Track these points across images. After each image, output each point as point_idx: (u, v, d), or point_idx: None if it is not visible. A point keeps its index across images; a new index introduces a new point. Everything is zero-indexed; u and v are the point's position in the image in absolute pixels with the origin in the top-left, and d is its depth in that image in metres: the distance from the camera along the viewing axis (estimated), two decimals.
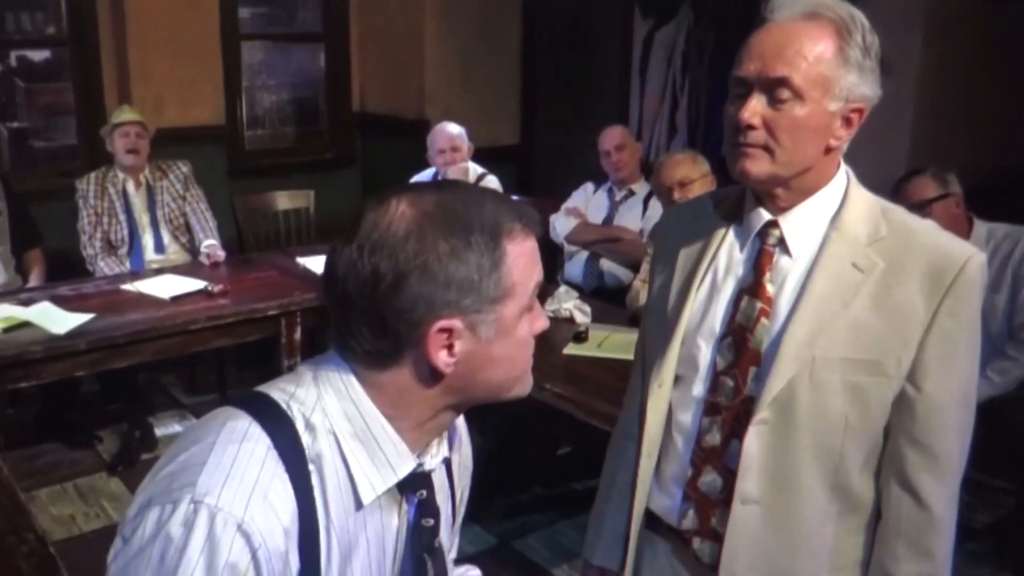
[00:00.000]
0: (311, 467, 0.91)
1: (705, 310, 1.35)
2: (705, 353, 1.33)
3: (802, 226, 1.29)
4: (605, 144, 4.01)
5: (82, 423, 3.88)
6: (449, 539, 1.13)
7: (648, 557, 1.44)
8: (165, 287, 3.43)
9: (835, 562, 1.31)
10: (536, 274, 0.98)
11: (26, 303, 3.16)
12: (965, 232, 2.79)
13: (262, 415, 0.92)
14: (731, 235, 1.36)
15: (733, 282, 1.33)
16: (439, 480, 1.06)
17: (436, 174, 4.18)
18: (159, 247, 4.02)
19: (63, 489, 3.50)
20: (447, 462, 1.08)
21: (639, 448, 1.40)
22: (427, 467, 1.01)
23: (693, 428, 1.35)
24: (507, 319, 0.94)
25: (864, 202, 1.30)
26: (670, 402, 1.37)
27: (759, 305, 1.29)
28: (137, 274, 3.74)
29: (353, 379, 0.94)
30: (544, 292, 3.16)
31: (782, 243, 1.30)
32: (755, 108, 1.21)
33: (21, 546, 2.19)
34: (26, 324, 2.98)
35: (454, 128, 4.12)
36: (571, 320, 2.97)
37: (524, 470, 3.58)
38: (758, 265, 1.31)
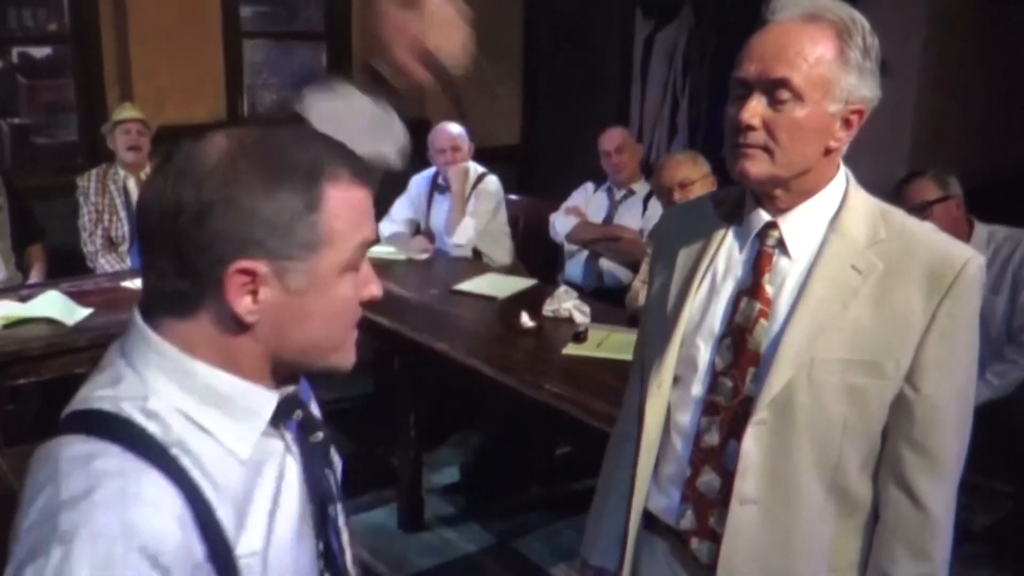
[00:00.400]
0: (174, 451, 0.84)
1: (704, 311, 1.35)
2: (704, 353, 1.34)
3: (801, 227, 1.29)
4: (605, 145, 4.03)
5: None
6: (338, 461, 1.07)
7: (646, 557, 1.44)
8: None
9: (833, 563, 1.31)
10: (365, 230, 0.90)
11: (25, 299, 3.16)
12: (965, 234, 2.79)
13: (94, 429, 0.84)
14: (730, 236, 1.36)
15: (732, 283, 1.33)
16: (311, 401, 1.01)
17: (436, 173, 4.18)
18: None
19: None
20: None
21: (638, 448, 1.40)
22: (289, 391, 0.94)
23: (692, 428, 1.35)
24: (323, 272, 0.87)
25: (863, 204, 1.30)
26: (669, 402, 1.38)
27: (758, 306, 1.29)
28: (138, 271, 3.73)
29: (170, 348, 0.87)
30: (543, 292, 3.16)
31: (781, 244, 1.30)
32: (755, 109, 1.21)
33: None
34: (27, 321, 2.97)
35: (455, 128, 4.12)
36: (570, 320, 2.97)
37: (523, 469, 3.58)
38: (757, 266, 1.31)
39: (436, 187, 4.20)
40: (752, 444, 1.27)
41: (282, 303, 0.86)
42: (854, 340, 1.24)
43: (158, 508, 0.80)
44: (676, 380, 1.37)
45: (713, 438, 1.33)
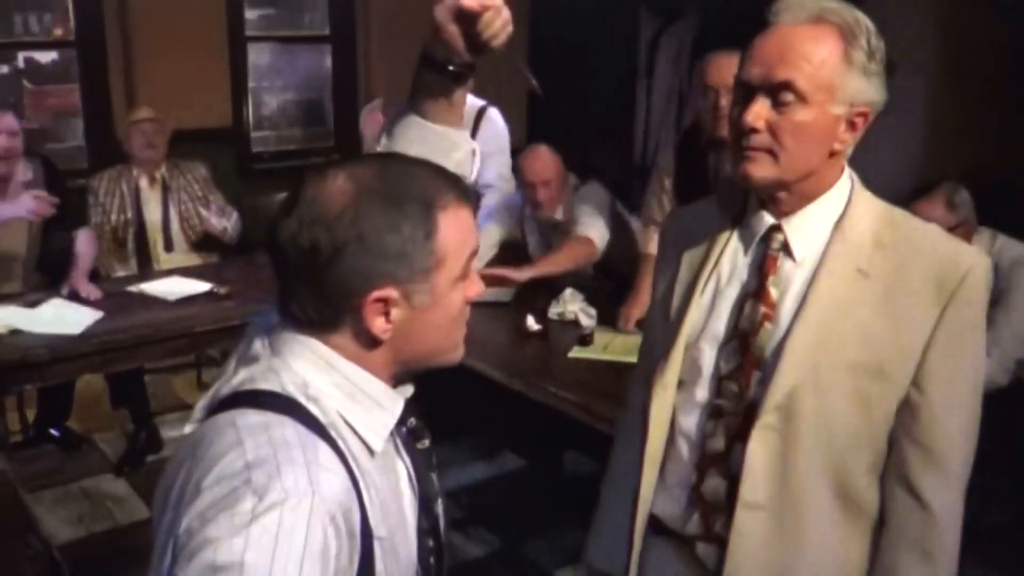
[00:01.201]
0: (332, 432, 0.93)
1: (708, 314, 1.34)
2: (708, 357, 1.33)
3: (806, 230, 1.28)
4: (532, 175, 3.40)
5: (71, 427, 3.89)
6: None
7: (651, 562, 1.44)
8: (171, 289, 3.43)
9: (839, 567, 1.30)
10: (470, 243, 1.00)
11: (32, 304, 3.16)
12: None
13: (266, 404, 0.93)
14: (735, 239, 1.35)
15: (737, 286, 1.33)
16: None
17: None
18: (168, 245, 4.03)
19: (69, 490, 3.51)
20: None
21: (642, 453, 1.40)
22: (405, 396, 1.05)
23: (697, 433, 1.35)
24: (441, 287, 0.97)
25: (869, 206, 1.29)
26: (673, 407, 1.37)
27: (763, 310, 1.29)
28: (144, 275, 3.74)
29: (317, 344, 0.97)
30: (549, 294, 3.14)
31: (786, 248, 1.29)
32: (759, 111, 1.21)
33: (25, 549, 2.19)
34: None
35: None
36: (576, 323, 2.95)
37: (527, 472, 3.58)
38: (762, 270, 1.30)
39: None
40: (757, 448, 1.26)
41: (409, 319, 0.96)
42: (859, 344, 1.23)
43: (335, 474, 0.89)
44: (680, 384, 1.36)
45: (718, 442, 1.32)
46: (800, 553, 1.29)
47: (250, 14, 5.18)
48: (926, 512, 1.25)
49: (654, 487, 1.40)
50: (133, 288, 3.46)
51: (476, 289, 1.04)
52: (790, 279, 1.29)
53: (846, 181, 1.30)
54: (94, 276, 3.60)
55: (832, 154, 1.24)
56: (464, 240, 0.99)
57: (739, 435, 1.29)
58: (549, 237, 3.57)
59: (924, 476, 1.25)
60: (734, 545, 1.29)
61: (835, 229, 1.27)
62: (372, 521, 0.93)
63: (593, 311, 2.99)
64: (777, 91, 1.20)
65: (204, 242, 4.09)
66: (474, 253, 1.02)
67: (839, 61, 1.19)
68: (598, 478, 3.83)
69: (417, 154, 1.17)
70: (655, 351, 1.41)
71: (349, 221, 0.92)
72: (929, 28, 3.32)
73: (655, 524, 1.42)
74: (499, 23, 1.12)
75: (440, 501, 1.10)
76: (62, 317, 3.07)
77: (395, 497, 1.02)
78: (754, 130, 1.21)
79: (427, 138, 1.20)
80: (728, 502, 1.30)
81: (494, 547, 3.22)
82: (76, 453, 3.81)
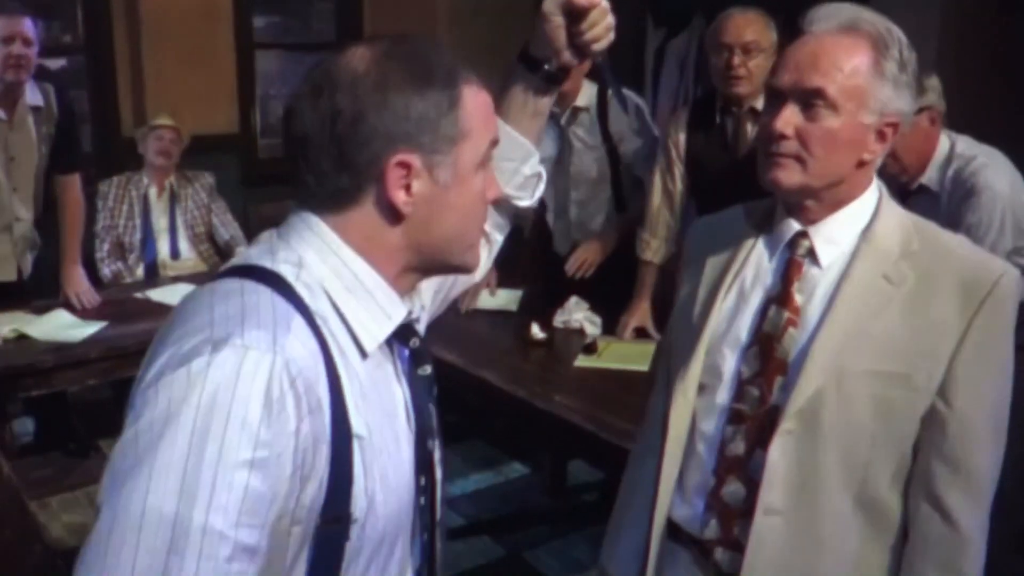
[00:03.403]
0: (316, 317, 0.90)
1: (732, 319, 1.35)
2: (730, 362, 1.33)
3: (832, 237, 1.29)
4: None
5: (77, 432, 3.88)
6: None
7: (668, 567, 1.43)
8: (177, 296, 3.43)
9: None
10: (493, 129, 0.99)
11: (38, 311, 3.17)
12: (928, 153, 2.51)
13: (251, 275, 0.91)
14: (760, 245, 1.36)
15: (761, 291, 1.33)
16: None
17: None
18: (175, 253, 4.04)
19: (75, 497, 3.51)
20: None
21: (661, 457, 1.39)
22: (414, 314, 1.01)
23: (716, 437, 1.34)
24: (463, 165, 0.95)
25: (896, 216, 1.30)
26: (694, 411, 1.37)
27: (787, 315, 1.29)
28: (150, 283, 3.75)
29: (326, 229, 0.94)
30: (554, 303, 3.14)
31: (811, 254, 1.30)
32: (788, 118, 1.22)
33: (29, 557, 2.19)
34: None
35: None
36: (581, 331, 2.95)
37: (531, 480, 3.57)
38: (787, 275, 1.30)
39: None
40: (778, 454, 1.26)
41: (431, 195, 0.94)
42: (885, 351, 1.23)
43: (303, 342, 0.86)
44: (701, 388, 1.36)
45: (738, 447, 1.32)
46: (819, 560, 1.29)
47: (258, 22, 5.19)
48: (953, 528, 1.24)
49: (672, 491, 1.40)
50: (139, 295, 3.47)
51: (497, 190, 1.02)
52: (815, 285, 1.29)
53: (874, 191, 1.30)
54: (95, 281, 3.57)
55: (861, 164, 1.25)
56: (486, 120, 0.98)
57: (759, 440, 1.29)
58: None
59: (951, 492, 1.24)
60: (752, 551, 1.28)
61: (862, 237, 1.28)
62: (350, 414, 0.90)
63: (598, 319, 2.99)
64: (808, 98, 1.21)
65: (210, 250, 4.10)
66: (494, 143, 1.00)
67: (870, 70, 1.20)
68: (602, 487, 3.83)
69: None
70: (676, 355, 1.41)
71: (372, 83, 0.90)
72: (930, 29, 3.32)
73: (672, 529, 1.41)
74: (604, 25, 1.14)
75: (438, 441, 1.05)
76: (68, 323, 3.08)
77: (386, 414, 0.97)
78: (783, 136, 1.22)
79: (500, 143, 1.17)
80: (747, 507, 1.30)
81: (497, 555, 3.21)
82: (82, 460, 3.81)
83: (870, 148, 1.24)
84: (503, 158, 1.18)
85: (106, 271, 3.94)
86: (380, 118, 0.90)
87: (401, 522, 0.99)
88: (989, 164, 2.37)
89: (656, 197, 2.96)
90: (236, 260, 0.96)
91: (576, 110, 3.18)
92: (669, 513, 1.40)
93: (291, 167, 0.96)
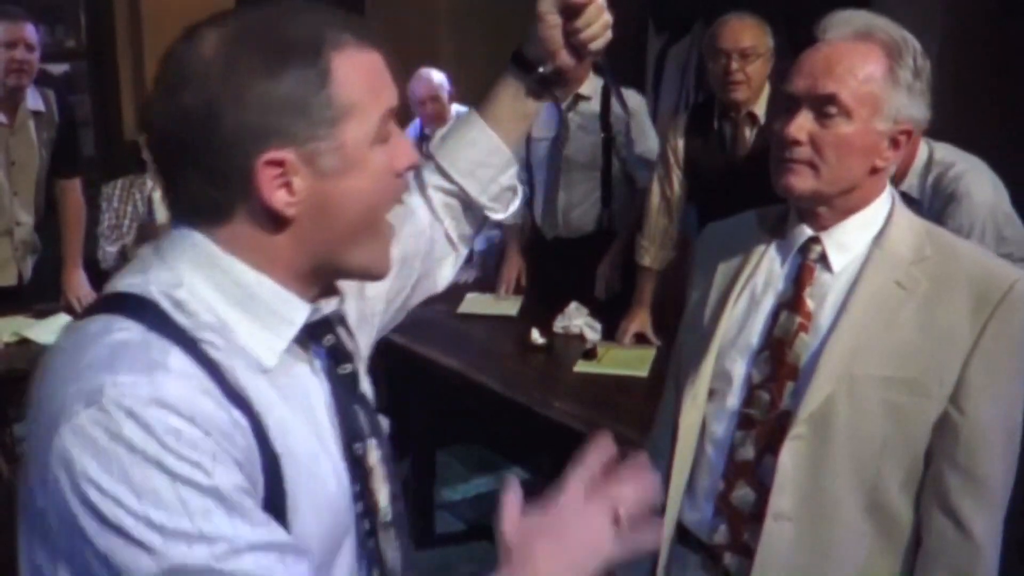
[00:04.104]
0: (197, 337, 0.80)
1: (743, 323, 1.35)
2: (740, 366, 1.34)
3: (844, 243, 1.29)
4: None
5: None
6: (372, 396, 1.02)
7: (677, 571, 1.43)
8: None
9: None
10: (385, 96, 0.86)
11: (40, 315, 3.17)
12: (908, 161, 2.40)
13: (116, 308, 0.80)
14: (772, 250, 1.36)
15: (772, 296, 1.33)
16: (343, 333, 0.96)
17: (421, 126, 3.96)
18: None
19: None
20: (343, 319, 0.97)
21: (671, 461, 1.40)
22: (323, 311, 0.89)
23: (726, 442, 1.35)
24: (352, 147, 0.82)
25: (909, 222, 1.30)
26: (704, 416, 1.37)
27: (798, 320, 1.29)
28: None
29: (206, 242, 0.83)
30: (554, 308, 3.14)
31: (823, 259, 1.30)
32: (802, 124, 1.22)
33: None
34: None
35: (436, 76, 3.86)
36: (581, 337, 2.95)
37: (531, 486, 3.56)
38: (798, 280, 1.31)
39: (424, 139, 3.87)
40: (788, 459, 1.26)
41: (318, 190, 0.82)
42: (897, 357, 1.23)
43: (185, 377, 0.77)
44: (712, 393, 1.37)
45: (748, 452, 1.32)
46: (828, 566, 1.29)
47: None
48: (966, 537, 1.24)
49: (682, 496, 1.40)
50: None
51: (410, 157, 0.89)
52: (827, 290, 1.29)
53: (887, 198, 1.31)
54: (96, 284, 3.57)
55: (874, 170, 1.25)
56: (373, 88, 0.84)
57: (769, 445, 1.29)
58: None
59: (964, 500, 1.24)
60: (761, 556, 1.29)
61: (874, 243, 1.28)
62: (269, 433, 0.81)
63: (598, 325, 2.99)
64: (821, 104, 1.21)
65: None
66: (392, 111, 0.86)
67: (884, 77, 1.21)
68: None
69: (466, 160, 1.13)
70: (687, 360, 1.42)
71: (219, 74, 0.78)
72: (931, 33, 3.32)
73: (681, 533, 1.42)
74: (600, 23, 1.10)
75: (373, 441, 0.94)
76: None
77: (307, 423, 0.87)
78: (797, 142, 1.22)
79: (481, 144, 1.14)
80: (757, 512, 1.30)
81: (496, 560, 3.20)
82: None
83: (883, 155, 1.25)
84: (482, 164, 1.14)
85: (111, 271, 3.94)
86: (236, 114, 0.78)
87: (337, 533, 0.92)
88: (969, 171, 2.37)
89: (655, 203, 2.97)
90: (108, 287, 0.85)
91: (579, 97, 3.27)
92: (679, 517, 1.41)
93: (162, 188, 0.87)
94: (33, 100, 3.23)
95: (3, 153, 3.19)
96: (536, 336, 2.91)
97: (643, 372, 2.66)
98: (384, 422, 1.00)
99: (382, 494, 0.96)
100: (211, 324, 0.81)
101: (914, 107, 1.23)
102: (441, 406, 3.32)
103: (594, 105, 3.26)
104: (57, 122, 3.31)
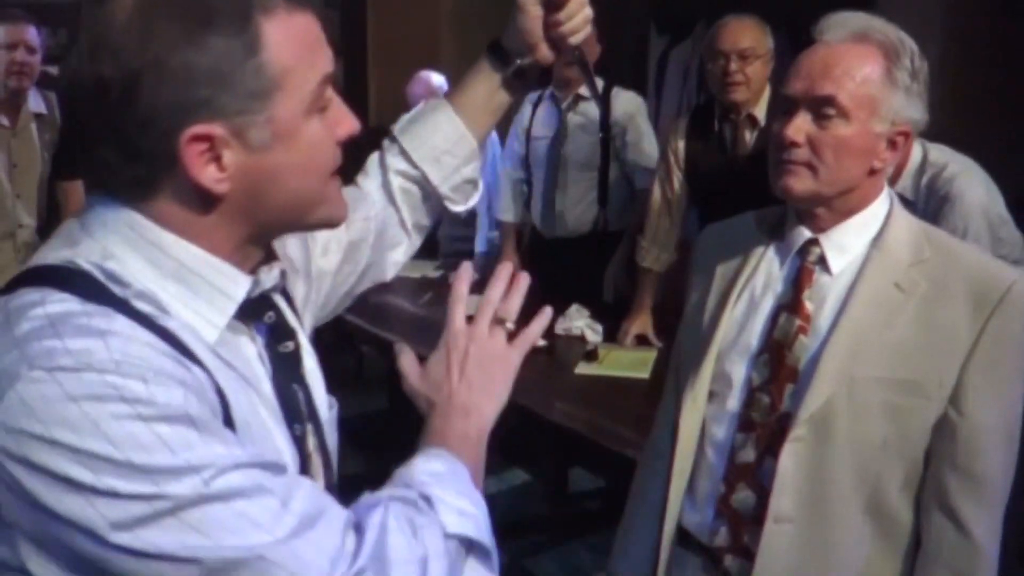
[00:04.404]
0: (136, 304, 0.75)
1: (742, 326, 1.35)
2: (740, 369, 1.34)
3: (843, 245, 1.30)
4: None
5: None
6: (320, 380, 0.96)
7: (677, 574, 1.43)
8: None
9: None
10: (321, 62, 0.80)
11: None
12: (902, 162, 2.38)
13: (45, 280, 0.74)
14: (771, 252, 1.36)
15: (771, 299, 1.34)
16: (286, 310, 0.92)
17: None
18: None
19: None
20: (285, 295, 0.93)
21: (671, 464, 1.40)
22: (264, 285, 0.85)
23: (726, 444, 1.35)
24: (284, 119, 0.77)
25: (907, 224, 1.31)
26: (704, 418, 1.37)
27: (797, 322, 1.29)
28: None
29: (134, 215, 0.77)
30: (555, 309, 3.13)
31: (822, 261, 1.30)
32: (800, 126, 1.22)
33: None
34: None
35: (435, 78, 3.91)
36: (582, 338, 2.95)
37: (533, 487, 3.57)
38: (797, 282, 1.31)
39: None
40: (788, 461, 1.26)
41: (250, 164, 0.77)
42: (896, 358, 1.23)
43: (137, 340, 0.71)
44: (711, 396, 1.37)
45: (748, 454, 1.32)
46: (829, 568, 1.29)
47: None
48: (965, 537, 1.24)
49: (682, 498, 1.40)
50: None
51: (349, 125, 0.85)
52: (826, 292, 1.30)
53: (885, 200, 1.31)
54: None
55: (872, 172, 1.26)
56: (308, 55, 0.78)
57: (769, 448, 1.30)
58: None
59: (964, 501, 1.24)
60: (762, 558, 1.29)
61: (873, 244, 1.28)
62: (229, 400, 0.77)
63: (599, 327, 2.99)
64: (819, 106, 1.22)
65: None
66: (328, 78, 0.81)
67: (882, 79, 1.21)
68: (604, 494, 3.82)
69: (430, 146, 1.11)
70: (686, 363, 1.42)
71: (137, 42, 0.72)
72: (932, 35, 3.32)
73: (682, 536, 1.42)
74: (581, 16, 1.10)
75: (309, 427, 0.90)
76: None
77: (256, 394, 0.84)
78: (795, 144, 1.23)
79: (447, 131, 1.12)
80: (757, 515, 1.30)
81: (500, 562, 3.20)
82: None
83: (881, 156, 1.25)
84: (447, 152, 1.12)
85: None
86: (157, 86, 0.72)
87: None
88: (962, 172, 2.37)
89: (656, 205, 2.97)
90: (31, 261, 0.79)
91: (579, 97, 3.28)
92: (679, 520, 1.41)
93: (80, 161, 0.79)
94: (35, 102, 3.24)
95: (5, 156, 3.19)
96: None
97: (644, 374, 2.66)
98: (332, 406, 0.97)
99: (321, 481, 0.93)
100: (147, 295, 0.76)
101: (911, 108, 1.24)
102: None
103: (594, 106, 3.29)
104: (59, 124, 3.31)
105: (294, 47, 0.77)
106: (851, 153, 1.23)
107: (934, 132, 1.46)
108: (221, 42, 0.73)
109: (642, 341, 2.91)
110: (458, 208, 1.17)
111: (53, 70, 3.46)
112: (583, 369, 2.73)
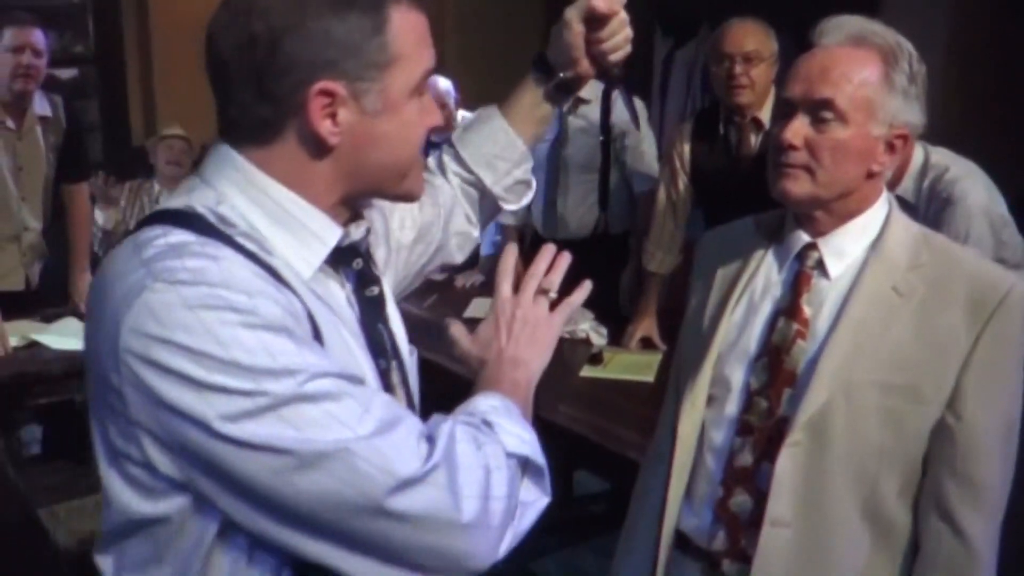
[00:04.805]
0: (241, 241, 0.88)
1: (741, 330, 1.35)
2: (738, 373, 1.34)
3: (841, 249, 1.30)
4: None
5: (85, 440, 3.89)
6: (402, 325, 1.09)
7: None
8: None
9: None
10: (428, 55, 0.94)
11: (48, 319, 3.19)
12: (904, 164, 2.37)
13: (166, 220, 0.88)
14: (769, 256, 1.37)
15: (770, 303, 1.34)
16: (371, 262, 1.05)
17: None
18: None
19: (83, 505, 3.52)
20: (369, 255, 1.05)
21: (670, 468, 1.40)
22: (353, 237, 0.97)
23: (725, 448, 1.35)
24: (394, 93, 0.91)
25: (905, 229, 1.31)
26: (702, 422, 1.38)
27: (795, 327, 1.29)
28: None
29: (247, 165, 0.91)
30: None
31: (820, 266, 1.30)
32: (798, 129, 1.23)
33: (36, 565, 2.20)
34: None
35: (443, 83, 3.84)
36: (587, 341, 2.95)
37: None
38: (795, 287, 1.31)
39: (430, 146, 3.86)
40: (786, 466, 1.26)
41: (359, 125, 0.90)
42: (893, 363, 1.23)
43: (246, 266, 0.84)
44: (710, 399, 1.37)
45: (746, 458, 1.32)
46: (826, 572, 1.29)
47: None
48: (963, 542, 1.24)
49: (680, 502, 1.40)
50: None
51: (436, 117, 0.98)
52: (824, 297, 1.30)
53: (883, 204, 1.31)
54: None
55: (870, 175, 1.26)
56: (420, 45, 0.93)
57: (767, 452, 1.29)
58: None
59: (962, 506, 1.24)
60: (760, 562, 1.29)
61: (871, 248, 1.28)
62: (321, 328, 0.89)
63: (604, 329, 2.99)
64: (817, 109, 1.22)
65: None
66: (430, 71, 0.95)
67: (880, 82, 1.21)
68: (609, 497, 3.81)
69: (484, 152, 1.22)
70: (686, 366, 1.42)
71: (288, 7, 0.86)
72: (937, 39, 3.32)
73: (681, 540, 1.42)
74: (623, 36, 1.16)
75: (396, 362, 1.03)
76: (78, 332, 3.08)
77: (345, 328, 0.95)
78: (792, 147, 1.23)
79: (499, 139, 1.23)
80: (754, 519, 1.30)
81: (502, 565, 3.20)
82: (91, 467, 3.81)
83: (879, 159, 1.25)
84: (498, 156, 1.22)
85: None
86: (298, 44, 0.85)
87: None
88: (964, 174, 2.36)
89: (661, 208, 2.97)
90: (154, 209, 0.95)
91: (579, 100, 3.27)
92: (677, 524, 1.41)
93: (217, 104, 0.93)
94: (40, 105, 3.25)
95: (11, 158, 3.21)
96: None
97: (649, 377, 2.66)
98: (412, 352, 1.10)
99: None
100: (252, 235, 0.89)
101: (910, 111, 1.24)
102: (448, 410, 3.32)
103: (595, 108, 3.29)
104: (64, 127, 3.33)
105: (411, 36, 0.91)
106: (849, 156, 1.23)
107: (937, 135, 1.46)
108: (357, 17, 0.87)
109: (647, 344, 2.91)
110: (511, 206, 1.29)
111: (60, 73, 3.46)
112: (588, 372, 2.73)
